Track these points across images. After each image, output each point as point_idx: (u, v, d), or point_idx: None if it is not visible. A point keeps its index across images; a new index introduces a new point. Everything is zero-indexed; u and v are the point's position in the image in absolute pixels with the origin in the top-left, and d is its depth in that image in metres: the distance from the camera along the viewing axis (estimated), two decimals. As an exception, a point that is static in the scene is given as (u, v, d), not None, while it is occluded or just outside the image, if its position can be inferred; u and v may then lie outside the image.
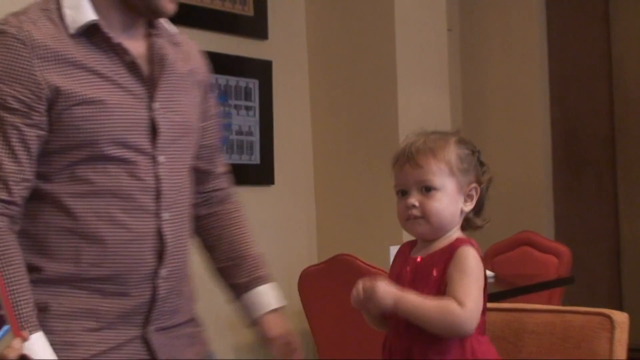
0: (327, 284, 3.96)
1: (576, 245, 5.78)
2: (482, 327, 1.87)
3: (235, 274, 2.12)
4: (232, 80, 4.76)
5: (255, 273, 2.13)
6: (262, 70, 4.91)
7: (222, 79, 4.71)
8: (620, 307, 1.86)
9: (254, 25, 4.88)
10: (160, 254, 1.83)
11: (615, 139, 6.11)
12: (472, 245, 1.85)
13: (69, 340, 1.74)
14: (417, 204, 1.84)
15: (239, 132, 4.79)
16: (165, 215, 1.84)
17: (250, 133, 4.84)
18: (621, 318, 1.92)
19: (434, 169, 1.84)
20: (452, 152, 1.87)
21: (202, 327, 2.08)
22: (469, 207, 1.90)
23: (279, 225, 5.03)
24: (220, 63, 4.67)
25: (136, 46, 1.88)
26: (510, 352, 2.02)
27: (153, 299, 1.83)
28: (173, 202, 1.86)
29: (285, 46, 5.12)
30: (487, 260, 5.27)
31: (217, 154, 2.17)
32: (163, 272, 1.84)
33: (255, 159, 4.88)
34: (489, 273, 4.58)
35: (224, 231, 2.15)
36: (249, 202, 4.84)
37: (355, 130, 5.10)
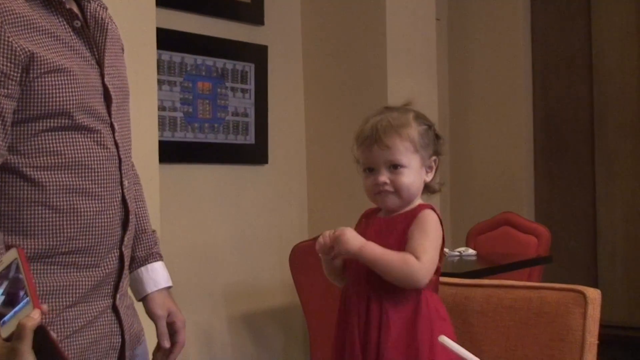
0: (317, 260, 3.96)
1: (555, 227, 5.82)
2: (435, 285, 1.96)
3: (135, 247, 1.93)
4: (230, 64, 4.76)
5: (152, 249, 1.98)
6: (258, 55, 4.91)
7: (220, 62, 4.71)
8: (595, 286, 1.89)
9: (251, 12, 4.88)
10: (125, 222, 1.76)
11: (594, 126, 6.13)
12: (433, 209, 1.94)
13: (49, 320, 1.61)
14: (387, 180, 1.92)
15: (235, 114, 4.79)
16: (125, 182, 1.76)
17: (245, 114, 4.85)
18: (594, 295, 1.93)
19: (400, 149, 1.92)
20: (414, 130, 1.95)
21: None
22: (430, 177, 2.00)
23: (272, 203, 5.04)
24: (218, 47, 4.67)
25: (76, 11, 1.74)
26: (489, 325, 2.03)
27: (121, 267, 1.76)
28: (127, 169, 1.79)
29: (281, 32, 5.12)
30: (470, 239, 5.30)
31: None
32: (126, 239, 1.76)
33: (250, 139, 4.88)
34: (471, 251, 4.63)
35: None
36: (243, 180, 4.88)
37: (346, 113, 5.11)
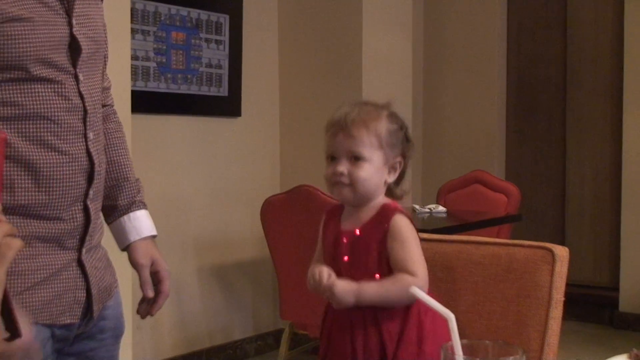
0: (288, 213, 3.98)
1: (525, 185, 5.87)
2: None
3: (115, 196, 1.90)
4: (204, 14, 4.71)
5: (135, 197, 1.94)
6: (232, 6, 4.86)
7: (194, 13, 4.66)
8: (562, 245, 1.91)
9: (227, -38, 4.83)
10: (90, 175, 1.70)
11: (567, 87, 6.15)
12: (402, 212, 1.89)
13: (9, 270, 1.59)
14: (345, 171, 1.87)
15: (209, 65, 4.76)
16: (90, 134, 1.70)
17: (219, 66, 4.81)
18: (562, 252, 1.94)
19: (365, 141, 1.86)
20: (383, 126, 1.89)
21: (106, 250, 1.88)
22: (392, 178, 1.92)
23: (244, 156, 5.03)
24: (192, -3, 4.63)
25: None
26: (457, 281, 2.04)
27: (86, 221, 1.70)
28: (94, 121, 1.72)
29: (256, -17, 5.08)
30: (441, 196, 5.32)
31: (104, 67, 1.93)
32: (91, 192, 1.70)
33: (224, 91, 4.85)
34: (441, 209, 4.66)
35: (107, 150, 1.91)
36: (216, 132, 4.86)
37: (321, 67, 5.09)
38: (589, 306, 5.87)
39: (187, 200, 4.70)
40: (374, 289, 1.82)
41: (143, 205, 1.96)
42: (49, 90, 1.62)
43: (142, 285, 1.88)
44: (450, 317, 1.29)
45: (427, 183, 6.24)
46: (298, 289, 3.98)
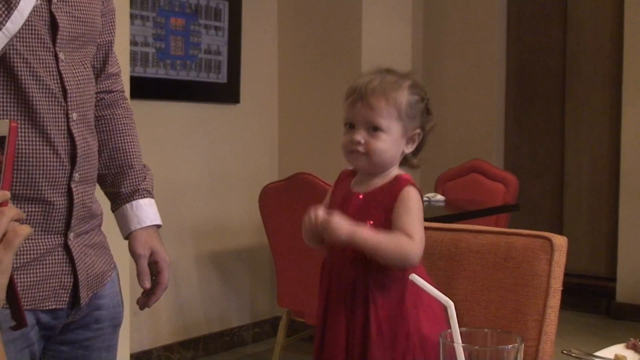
0: (286, 201, 3.98)
1: (523, 175, 5.87)
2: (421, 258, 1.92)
3: (119, 183, 1.88)
4: (203, 0, 4.70)
5: (140, 185, 1.91)
6: (232, -8, 4.86)
7: (193, -1, 4.65)
8: (560, 234, 1.91)
9: (226, -52, 4.81)
10: (73, 157, 1.66)
11: (566, 76, 6.15)
12: (413, 185, 1.88)
13: None
14: (362, 140, 1.86)
15: (208, 51, 4.75)
16: (74, 115, 1.66)
17: (218, 52, 4.81)
18: (560, 241, 1.94)
19: (383, 112, 1.85)
20: (404, 98, 1.87)
21: (105, 236, 1.87)
22: (410, 149, 1.92)
23: (243, 143, 5.03)
24: (192, -17, 4.62)
25: None
26: (455, 269, 2.04)
27: (70, 204, 1.66)
28: (79, 103, 1.68)
29: (256, -30, 5.06)
30: (439, 185, 5.32)
31: (111, 52, 1.90)
32: (76, 175, 1.66)
33: (223, 77, 4.85)
34: (439, 197, 4.66)
35: (112, 136, 1.90)
36: (215, 119, 4.85)
37: (320, 55, 5.08)
38: (586, 296, 5.88)
39: (185, 187, 4.70)
40: (369, 234, 1.80)
41: (148, 194, 1.93)
42: (23, 66, 1.58)
43: (138, 276, 1.85)
44: (450, 304, 1.29)
45: (425, 172, 6.24)
46: (295, 277, 3.98)
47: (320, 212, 1.82)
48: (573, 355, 1.80)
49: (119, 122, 1.93)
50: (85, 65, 1.74)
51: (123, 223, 1.89)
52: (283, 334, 4.20)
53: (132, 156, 1.92)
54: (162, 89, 4.52)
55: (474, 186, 5.21)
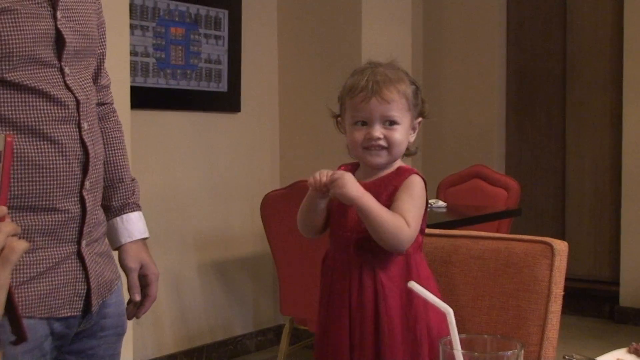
0: (287, 208, 3.97)
1: (525, 180, 5.87)
2: (421, 245, 1.94)
3: (110, 196, 1.90)
4: (203, 10, 4.71)
5: (129, 199, 1.93)
6: (231, 1, 4.86)
7: (193, 8, 4.66)
8: (562, 240, 1.91)
9: (225, -43, 4.83)
10: (85, 165, 1.69)
11: (566, 81, 6.15)
12: (418, 174, 1.91)
13: None
14: (381, 136, 1.87)
15: (208, 61, 4.76)
16: (85, 125, 1.69)
17: (218, 61, 4.82)
18: (561, 246, 1.95)
19: (398, 105, 1.88)
20: (408, 88, 1.91)
21: (109, 245, 1.89)
22: (413, 138, 1.96)
23: (244, 151, 5.04)
24: (191, -8, 4.63)
25: None
26: (456, 275, 2.05)
27: (83, 212, 1.69)
28: (88, 112, 1.71)
29: (255, -22, 5.07)
30: (441, 191, 5.32)
31: (103, 64, 1.92)
32: (87, 183, 1.69)
33: (223, 86, 4.86)
34: (441, 203, 4.66)
35: (104, 150, 1.89)
36: (215, 128, 4.86)
37: (320, 62, 5.09)
38: (589, 300, 5.87)
39: (187, 196, 4.70)
40: (376, 203, 1.82)
41: (137, 207, 1.95)
42: (33, 82, 1.61)
43: (129, 289, 1.89)
44: (449, 311, 1.29)
45: (427, 178, 6.18)
46: (298, 285, 3.98)
47: (329, 172, 1.86)
48: (575, 360, 1.81)
49: (110, 136, 1.94)
50: (88, 76, 1.77)
51: (113, 236, 1.91)
52: (286, 342, 4.20)
53: (122, 170, 1.94)
54: (163, 98, 4.53)
55: (476, 192, 5.21)
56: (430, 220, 4.20)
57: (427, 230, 2.15)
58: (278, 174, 5.25)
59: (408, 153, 1.96)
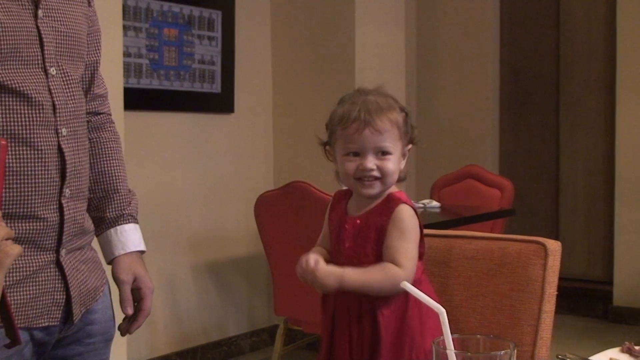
0: (282, 209, 3.98)
1: (519, 180, 5.88)
2: (421, 268, 1.93)
3: (104, 207, 1.86)
4: (196, 11, 4.71)
5: (124, 210, 1.88)
6: (225, 2, 4.86)
7: (186, 9, 4.66)
8: (556, 239, 1.91)
9: (219, -42, 4.82)
10: (63, 173, 1.65)
11: (560, 81, 6.16)
12: (406, 202, 1.89)
13: None
14: (374, 167, 1.86)
15: (201, 61, 4.76)
16: (63, 130, 1.65)
17: (212, 62, 4.81)
18: (554, 246, 1.95)
19: (391, 135, 1.87)
20: (399, 116, 1.89)
21: (96, 251, 1.85)
22: (403, 165, 1.94)
23: (238, 152, 5.03)
24: (184, -7, 4.63)
25: None
26: (450, 275, 2.05)
27: (62, 220, 1.65)
28: (69, 118, 1.67)
29: (249, -21, 5.07)
30: (435, 191, 5.33)
31: (97, 73, 1.89)
32: (67, 191, 1.65)
33: (217, 87, 4.85)
34: (435, 203, 4.66)
35: (98, 160, 1.87)
36: (209, 129, 4.86)
37: (314, 63, 5.09)
38: (583, 300, 5.89)
39: (181, 197, 4.70)
40: (357, 275, 1.82)
41: (132, 219, 1.91)
42: (10, 82, 1.58)
43: (120, 302, 1.84)
44: (441, 311, 1.29)
45: (421, 178, 6.25)
46: (292, 285, 3.98)
47: (310, 260, 1.84)
48: (568, 359, 1.81)
49: (106, 146, 1.91)
50: (76, 81, 1.74)
51: (107, 248, 1.88)
52: (281, 343, 4.20)
53: (117, 180, 1.90)
54: (156, 99, 4.52)
55: (470, 192, 5.21)
56: (425, 220, 4.19)
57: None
58: (272, 175, 5.25)
59: (398, 179, 1.94)
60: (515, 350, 1.23)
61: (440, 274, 2.06)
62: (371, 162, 1.86)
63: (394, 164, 1.87)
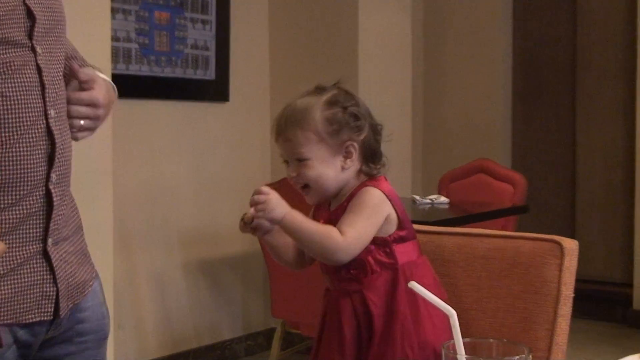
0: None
1: (532, 174, 5.87)
2: (416, 251, 1.98)
3: None
4: (189, -8, 4.71)
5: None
6: (220, -17, 4.86)
7: (179, -9, 4.66)
8: (572, 238, 1.91)
9: (213, -64, 4.82)
10: (51, 156, 1.64)
11: (576, 70, 6.15)
12: (376, 186, 1.94)
13: None
14: (295, 174, 1.95)
15: (194, 47, 4.75)
16: (52, 112, 1.65)
17: (205, 47, 4.81)
18: (571, 245, 1.95)
19: (301, 141, 1.93)
20: (318, 117, 1.93)
21: (85, 243, 1.84)
22: (352, 163, 1.96)
23: (233, 144, 5.03)
24: (177, -27, 4.62)
25: None
26: (460, 276, 2.05)
27: (49, 207, 1.65)
28: (57, 99, 1.68)
29: (245, -42, 5.07)
30: (443, 186, 5.33)
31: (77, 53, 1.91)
32: (53, 176, 1.65)
33: (210, 74, 4.85)
34: (443, 199, 4.66)
35: None
36: (202, 118, 4.86)
37: (315, 48, 5.08)
38: (600, 303, 5.88)
39: (172, 191, 4.70)
40: (300, 218, 1.88)
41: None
42: (2, 63, 1.57)
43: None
44: (452, 313, 1.29)
45: (428, 172, 6.25)
46: (290, 285, 3.98)
47: (264, 187, 1.91)
48: (585, 366, 1.81)
49: None
50: (60, 61, 1.74)
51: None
52: (278, 347, 4.20)
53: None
54: (146, 87, 4.52)
55: (480, 187, 5.22)
56: (432, 217, 4.22)
57: (428, 228, 2.15)
58: (269, 168, 5.25)
59: (369, 175, 1.97)
60: (531, 356, 1.23)
61: (449, 274, 2.06)
62: (292, 170, 1.96)
63: (314, 170, 1.93)
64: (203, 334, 4.91)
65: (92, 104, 1.81)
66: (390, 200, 1.93)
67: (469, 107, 6.30)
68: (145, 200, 4.53)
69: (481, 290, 2.02)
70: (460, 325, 1.28)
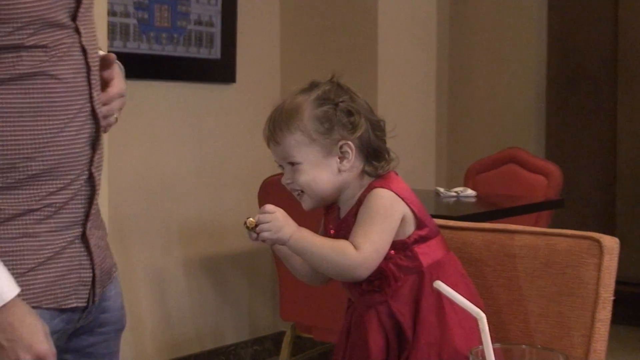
0: (289, 196, 3.97)
1: (568, 165, 5.85)
2: (442, 248, 1.98)
3: None
4: (193, -37, 4.71)
5: None
6: (226, -47, 4.87)
7: (181, -39, 4.66)
8: (612, 235, 1.91)
9: None
10: (95, 139, 1.75)
11: (618, 49, 6.12)
12: (385, 186, 1.93)
13: (9, 249, 1.64)
14: (289, 180, 1.98)
15: (198, 22, 4.75)
16: (94, 94, 1.74)
17: (210, 24, 4.81)
18: (611, 243, 1.95)
19: (291, 143, 1.95)
20: (308, 118, 1.95)
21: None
22: (349, 164, 1.96)
23: (240, 129, 5.03)
24: (179, -58, 4.62)
25: None
26: (488, 276, 2.05)
27: (92, 191, 1.76)
28: (97, 80, 1.77)
29: None
30: (469, 178, 5.32)
31: None
32: (96, 159, 1.76)
33: (216, 53, 4.85)
34: (470, 192, 4.66)
35: None
36: (206, 101, 4.86)
37: (330, 26, 5.08)
38: (641, 307, 5.88)
39: (173, 181, 4.71)
40: (310, 236, 1.90)
41: None
42: (52, 47, 1.65)
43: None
44: (481, 316, 1.29)
45: (453, 162, 6.24)
46: (302, 286, 3.97)
47: (271, 205, 1.93)
48: (626, 376, 1.81)
49: None
50: (97, 41, 1.80)
51: None
52: (287, 353, 4.21)
53: None
54: (145, 66, 4.53)
55: (510, 179, 5.21)
56: (458, 211, 4.21)
57: (453, 224, 2.15)
58: (279, 156, 5.25)
59: (374, 175, 1.97)
60: (567, 364, 1.23)
61: (477, 274, 2.06)
62: (286, 176, 1.99)
63: (306, 174, 1.95)
64: (205, 338, 4.92)
65: (120, 96, 1.90)
66: (403, 198, 1.92)
67: (498, 92, 6.29)
68: (143, 191, 4.54)
69: (512, 292, 2.02)
70: (489, 330, 1.27)
